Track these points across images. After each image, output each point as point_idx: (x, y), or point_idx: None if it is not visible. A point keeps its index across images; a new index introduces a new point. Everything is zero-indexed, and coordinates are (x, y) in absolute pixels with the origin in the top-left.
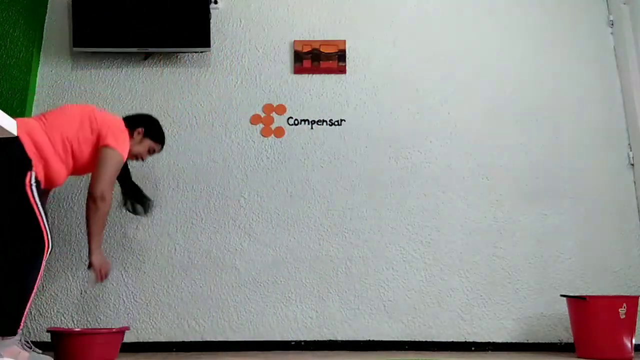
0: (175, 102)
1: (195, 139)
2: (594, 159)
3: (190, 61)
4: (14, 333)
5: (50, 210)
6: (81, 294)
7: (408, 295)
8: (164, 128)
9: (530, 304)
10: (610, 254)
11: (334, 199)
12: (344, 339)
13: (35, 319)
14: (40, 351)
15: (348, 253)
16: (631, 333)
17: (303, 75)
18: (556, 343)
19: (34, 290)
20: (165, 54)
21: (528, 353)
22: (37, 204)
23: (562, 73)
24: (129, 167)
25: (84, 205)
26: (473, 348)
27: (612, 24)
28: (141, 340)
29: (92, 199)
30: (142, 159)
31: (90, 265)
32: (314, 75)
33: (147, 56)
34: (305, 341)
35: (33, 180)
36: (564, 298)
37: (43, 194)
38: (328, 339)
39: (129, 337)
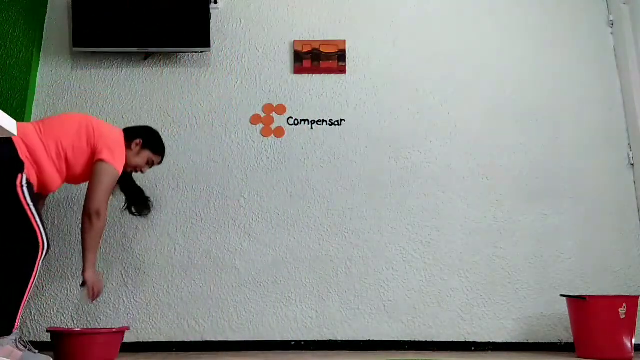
0: (175, 102)
1: (195, 139)
2: (594, 159)
3: (190, 61)
4: (9, 333)
5: (50, 210)
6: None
7: (408, 295)
8: (164, 128)
9: (530, 304)
10: (610, 254)
11: (334, 199)
12: (344, 339)
13: (35, 319)
14: (36, 351)
15: (348, 253)
16: (631, 333)
17: (303, 75)
18: (556, 343)
19: (29, 290)
20: (165, 54)
21: (528, 353)
22: (29, 205)
23: (562, 73)
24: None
25: (83, 206)
26: (473, 348)
27: (612, 24)
28: (141, 340)
29: (87, 215)
30: (142, 171)
31: (83, 283)
32: (314, 75)
33: (147, 56)
34: (305, 341)
35: (24, 182)
36: (564, 298)
37: (38, 198)
38: (328, 339)
39: (129, 337)
